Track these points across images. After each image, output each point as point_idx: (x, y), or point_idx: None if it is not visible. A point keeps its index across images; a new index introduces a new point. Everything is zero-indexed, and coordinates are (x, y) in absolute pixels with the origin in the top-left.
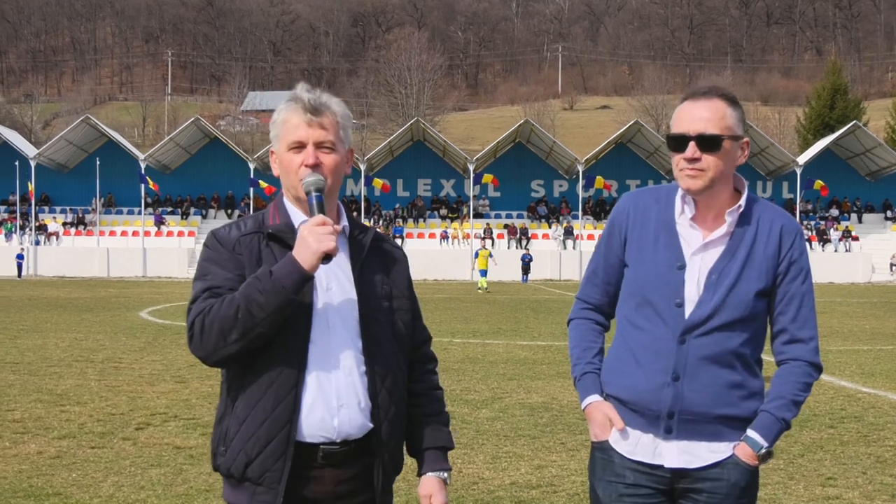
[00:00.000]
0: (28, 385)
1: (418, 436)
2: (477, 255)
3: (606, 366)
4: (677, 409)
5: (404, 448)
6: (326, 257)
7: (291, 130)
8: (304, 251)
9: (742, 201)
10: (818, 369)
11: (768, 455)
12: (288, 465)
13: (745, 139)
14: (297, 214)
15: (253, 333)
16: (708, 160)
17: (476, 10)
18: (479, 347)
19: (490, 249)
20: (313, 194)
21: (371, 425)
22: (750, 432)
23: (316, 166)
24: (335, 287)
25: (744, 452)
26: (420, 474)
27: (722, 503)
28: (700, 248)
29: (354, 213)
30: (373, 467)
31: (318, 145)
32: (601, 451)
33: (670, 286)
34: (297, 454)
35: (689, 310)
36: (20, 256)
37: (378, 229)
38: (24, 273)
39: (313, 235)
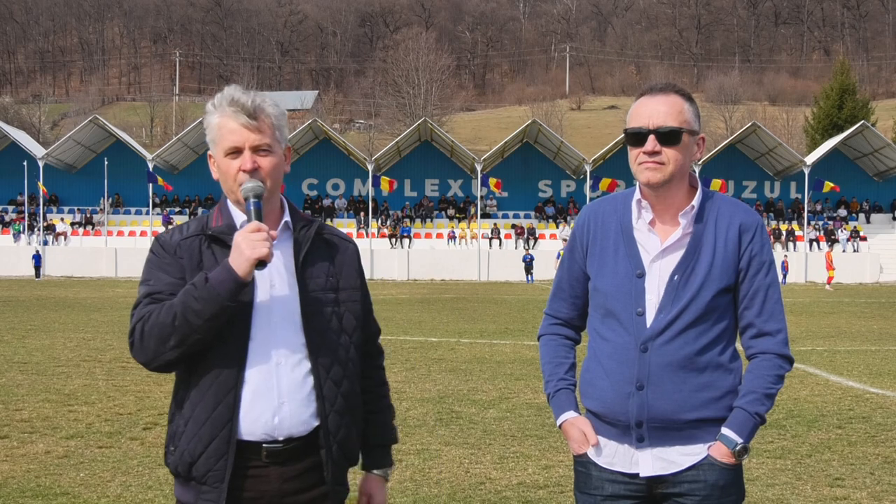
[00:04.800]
0: (36, 385)
1: (363, 431)
2: (559, 255)
3: (581, 378)
4: (645, 418)
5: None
6: (260, 263)
7: (227, 135)
8: (238, 258)
9: (695, 200)
10: (789, 361)
11: (744, 451)
12: (230, 464)
13: (702, 135)
14: (239, 216)
15: (191, 339)
16: (668, 153)
17: (483, 11)
18: (487, 347)
19: None
20: (251, 200)
21: (316, 423)
22: (724, 430)
23: (254, 171)
24: (278, 283)
25: (719, 452)
26: (362, 468)
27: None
28: (659, 254)
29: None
30: (322, 462)
31: (256, 149)
32: (581, 465)
33: (631, 296)
34: (240, 453)
35: (650, 318)
36: (36, 257)
37: (328, 223)
38: (37, 273)
39: (247, 242)
